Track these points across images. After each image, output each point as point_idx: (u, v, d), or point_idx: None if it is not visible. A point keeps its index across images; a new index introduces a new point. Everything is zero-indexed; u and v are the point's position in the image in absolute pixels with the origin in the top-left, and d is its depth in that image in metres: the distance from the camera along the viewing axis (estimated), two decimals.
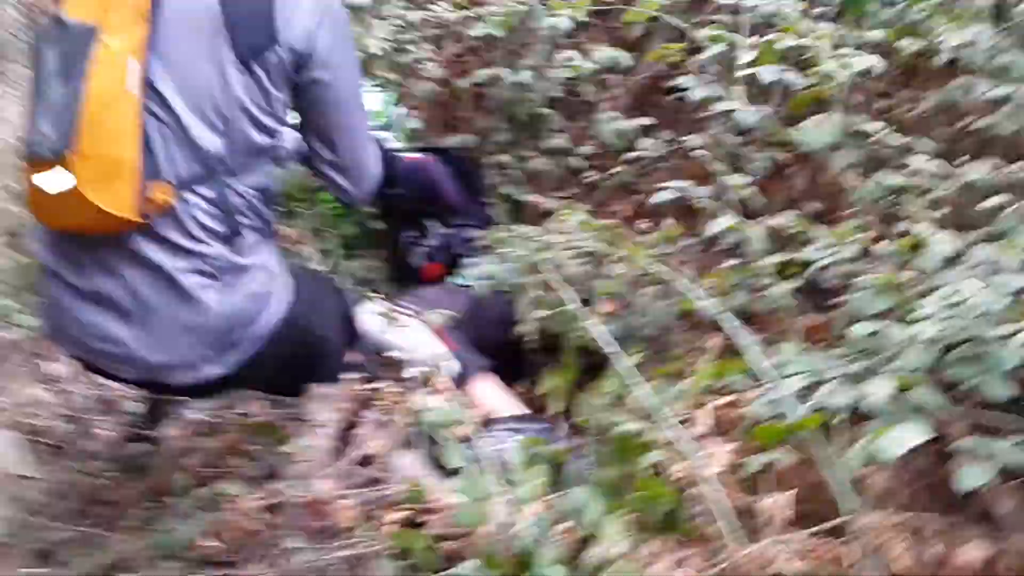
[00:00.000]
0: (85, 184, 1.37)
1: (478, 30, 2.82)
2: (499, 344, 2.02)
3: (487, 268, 2.15)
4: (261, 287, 1.58)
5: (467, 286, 2.29)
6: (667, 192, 2.11)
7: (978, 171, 1.88)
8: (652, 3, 2.52)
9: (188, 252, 1.50)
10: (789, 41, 2.05)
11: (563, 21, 2.68)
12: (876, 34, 2.21)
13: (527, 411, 1.93)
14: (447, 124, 3.06)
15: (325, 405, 1.81)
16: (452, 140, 2.92)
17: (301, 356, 1.73)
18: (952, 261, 1.64)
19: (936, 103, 2.27)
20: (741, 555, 1.28)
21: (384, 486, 1.64)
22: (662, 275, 1.95)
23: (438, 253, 2.59)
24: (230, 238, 1.54)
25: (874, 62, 2.01)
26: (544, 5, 2.73)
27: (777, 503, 1.33)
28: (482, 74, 2.80)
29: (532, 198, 2.78)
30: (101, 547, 1.79)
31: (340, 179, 1.73)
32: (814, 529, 1.32)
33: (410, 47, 2.99)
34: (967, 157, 1.98)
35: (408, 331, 1.92)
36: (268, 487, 1.67)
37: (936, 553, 1.30)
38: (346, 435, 1.83)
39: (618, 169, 2.61)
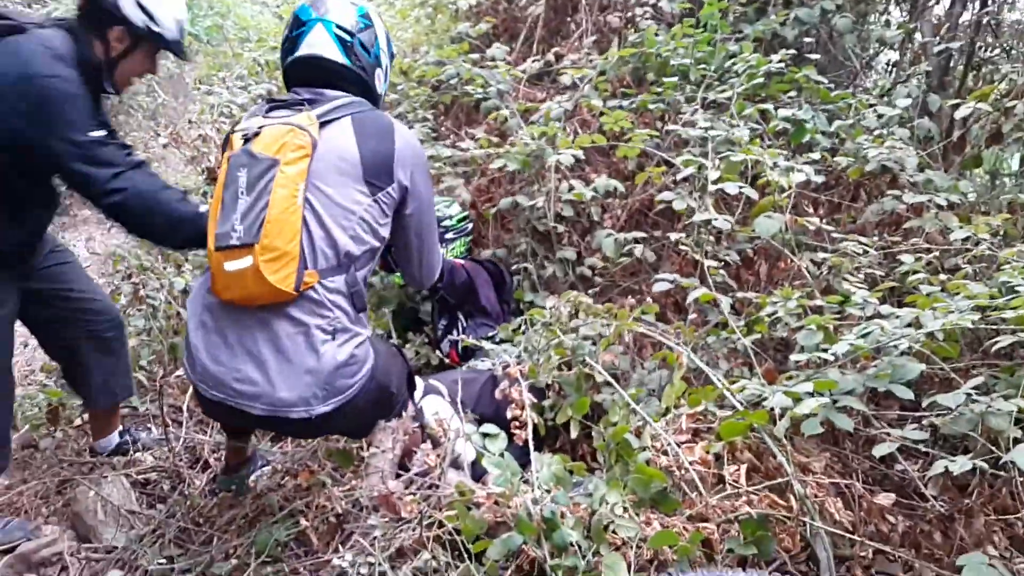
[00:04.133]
0: (264, 266, 1.89)
1: (498, 163, 3.47)
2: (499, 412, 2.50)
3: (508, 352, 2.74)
4: (360, 349, 2.04)
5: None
6: (662, 283, 2.65)
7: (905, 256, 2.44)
8: (638, 139, 3.17)
9: (318, 314, 1.98)
10: (740, 157, 2.64)
11: (567, 157, 3.32)
12: (816, 155, 2.85)
13: None
14: (476, 240, 3.67)
15: (388, 434, 2.29)
16: (486, 253, 3.53)
17: (377, 405, 2.20)
18: (871, 315, 2.16)
19: (873, 211, 2.87)
20: (708, 504, 1.73)
21: (438, 490, 2.08)
22: (652, 336, 2.46)
23: (457, 344, 3.26)
24: (347, 311, 2.03)
25: (810, 174, 2.61)
26: (552, 147, 3.38)
27: (735, 472, 1.78)
28: (505, 202, 3.43)
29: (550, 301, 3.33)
30: (207, 552, 2.22)
31: (416, 273, 2.35)
32: (762, 484, 1.77)
33: (445, 178, 3.67)
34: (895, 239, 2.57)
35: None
36: (347, 488, 2.12)
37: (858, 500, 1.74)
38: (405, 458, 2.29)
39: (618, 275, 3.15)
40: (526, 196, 3.44)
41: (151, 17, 2.38)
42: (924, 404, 1.77)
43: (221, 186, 1.98)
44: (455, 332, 3.36)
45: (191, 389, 3.22)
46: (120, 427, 2.96)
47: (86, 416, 3.10)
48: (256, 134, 1.96)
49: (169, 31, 2.42)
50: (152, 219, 2.29)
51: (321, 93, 2.11)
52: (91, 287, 2.75)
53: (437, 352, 3.36)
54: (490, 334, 3.22)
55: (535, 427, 2.24)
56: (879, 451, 1.75)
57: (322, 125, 2.02)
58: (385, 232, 2.11)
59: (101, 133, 2.24)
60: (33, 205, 2.40)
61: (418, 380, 2.59)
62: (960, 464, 1.54)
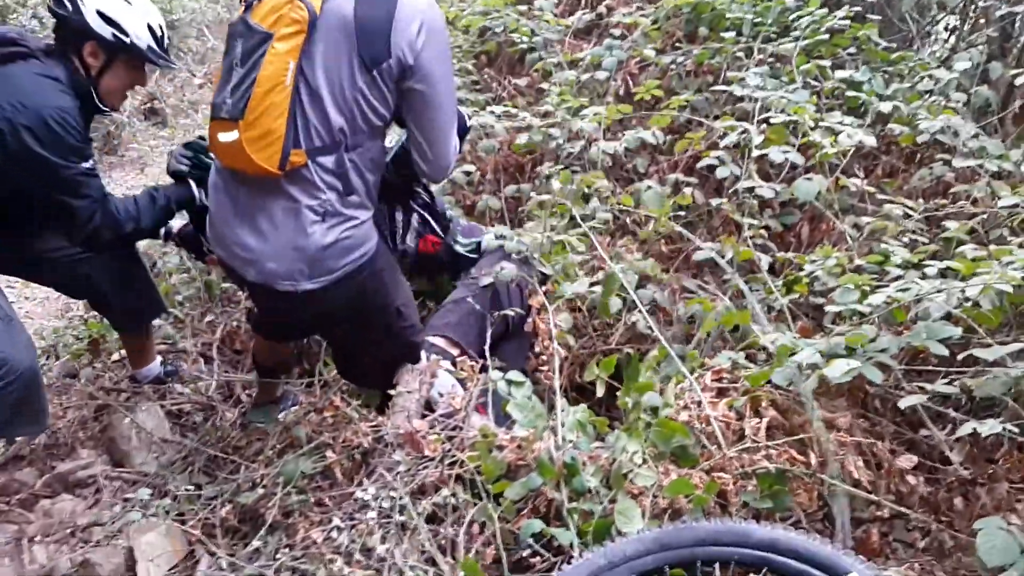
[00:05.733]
0: (247, 143, 1.87)
1: (523, 139, 3.29)
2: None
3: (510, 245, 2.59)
4: (354, 233, 2.03)
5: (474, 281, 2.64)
6: (704, 252, 2.61)
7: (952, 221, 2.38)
8: (676, 102, 3.09)
9: (313, 195, 1.96)
10: (782, 119, 2.56)
11: (590, 125, 3.18)
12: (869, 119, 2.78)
13: None
14: (507, 173, 3.57)
15: (414, 375, 2.31)
16: (510, 188, 3.38)
17: (377, 309, 2.19)
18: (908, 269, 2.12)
19: (922, 176, 2.80)
20: (726, 457, 1.72)
21: (461, 431, 2.10)
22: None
23: (424, 228, 2.77)
24: (340, 192, 1.99)
25: (858, 135, 2.54)
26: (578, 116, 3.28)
27: (756, 424, 1.76)
28: (536, 135, 3.27)
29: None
30: (235, 481, 2.28)
31: (422, 163, 2.12)
32: (783, 440, 1.75)
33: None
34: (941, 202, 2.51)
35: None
36: (373, 424, 2.15)
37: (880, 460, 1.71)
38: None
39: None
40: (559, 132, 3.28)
41: (118, 27, 2.32)
42: (960, 358, 1.73)
43: (223, 54, 1.97)
44: (413, 219, 2.77)
45: (220, 330, 3.29)
46: (160, 357, 3.01)
47: (124, 352, 3.18)
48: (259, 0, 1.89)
49: (140, 39, 2.36)
50: (123, 239, 2.42)
51: None
52: None
53: (404, 249, 2.78)
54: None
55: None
56: (905, 403, 1.73)
57: None
58: (385, 110, 2.00)
59: (88, 164, 2.27)
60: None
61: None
62: (989, 427, 1.50)
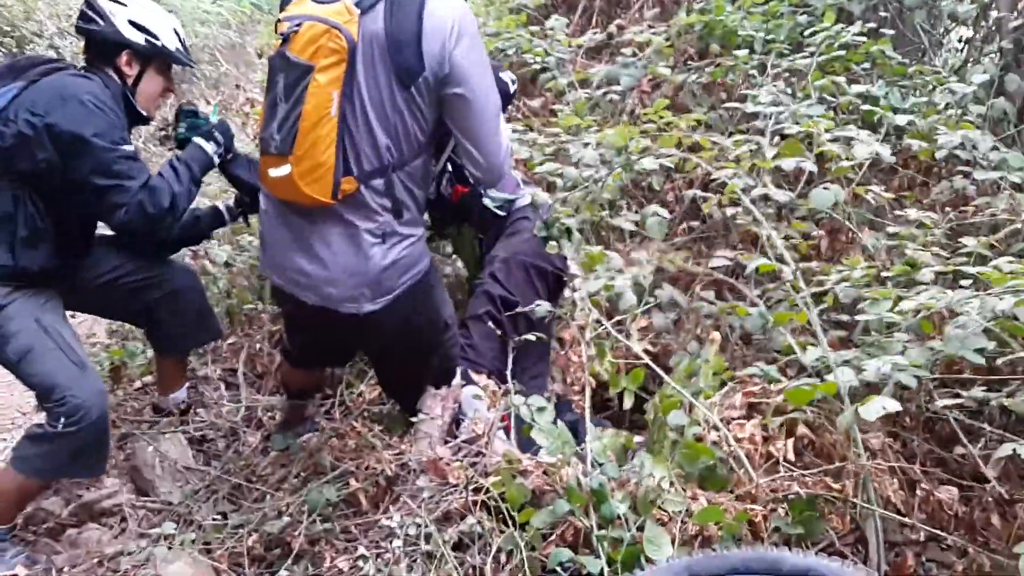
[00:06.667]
0: (298, 177, 1.91)
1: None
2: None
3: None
4: (411, 251, 2.06)
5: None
6: (720, 260, 2.60)
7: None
8: (687, 120, 3.08)
9: (368, 218, 1.99)
10: (795, 129, 2.55)
11: (591, 153, 3.15)
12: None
13: None
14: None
15: (437, 401, 2.31)
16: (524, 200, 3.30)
17: (423, 323, 2.19)
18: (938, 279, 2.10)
19: (942, 190, 2.79)
20: (757, 484, 1.70)
21: (484, 457, 2.09)
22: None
23: (455, 176, 2.68)
24: (394, 212, 2.02)
25: (872, 145, 2.52)
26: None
27: (784, 446, 1.75)
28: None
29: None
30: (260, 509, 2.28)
31: (475, 169, 2.10)
32: (819, 469, 1.73)
33: None
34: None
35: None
36: (396, 452, 2.14)
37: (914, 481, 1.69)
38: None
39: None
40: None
41: (150, 33, 2.41)
42: (998, 363, 1.71)
43: (265, 89, 2.00)
44: (448, 167, 2.64)
45: (243, 353, 3.30)
46: (187, 383, 3.01)
47: (147, 378, 3.19)
48: (295, 31, 1.89)
49: (170, 42, 2.45)
50: (163, 213, 2.34)
51: None
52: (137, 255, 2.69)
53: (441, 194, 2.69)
54: None
55: None
56: (941, 403, 1.71)
57: (364, 12, 1.89)
58: (426, 123, 2.01)
59: (131, 148, 2.33)
60: (55, 232, 2.38)
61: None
62: None
